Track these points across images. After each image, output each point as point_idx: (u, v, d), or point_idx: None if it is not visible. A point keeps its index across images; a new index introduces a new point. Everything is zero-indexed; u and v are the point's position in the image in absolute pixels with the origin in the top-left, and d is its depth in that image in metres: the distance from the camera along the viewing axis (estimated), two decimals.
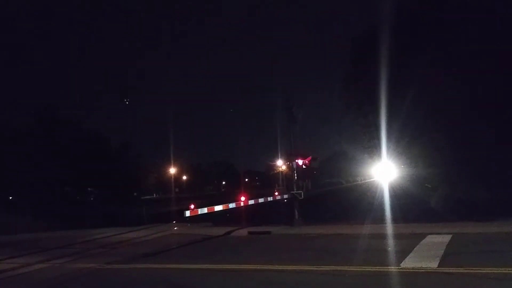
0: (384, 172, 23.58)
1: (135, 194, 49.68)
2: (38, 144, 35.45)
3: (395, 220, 16.83)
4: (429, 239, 12.59)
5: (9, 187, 35.50)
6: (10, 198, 39.47)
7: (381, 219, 17.11)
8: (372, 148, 23.37)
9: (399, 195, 21.95)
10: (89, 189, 43.71)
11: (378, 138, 21.33)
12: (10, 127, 37.80)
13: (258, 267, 10.38)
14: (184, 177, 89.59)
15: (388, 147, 21.38)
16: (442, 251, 10.56)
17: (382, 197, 21.12)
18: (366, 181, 29.32)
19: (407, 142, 21.07)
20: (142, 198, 55.23)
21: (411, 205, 19.64)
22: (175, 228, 21.08)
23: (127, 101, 50.30)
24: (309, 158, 19.93)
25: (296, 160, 19.15)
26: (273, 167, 72.54)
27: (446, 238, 12.38)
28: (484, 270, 8.52)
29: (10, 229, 22.33)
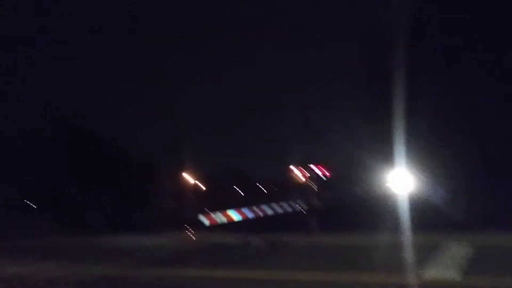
0: (402, 182, 23.30)
1: (151, 200, 49.81)
2: (51, 150, 35.83)
3: (414, 230, 16.52)
4: (450, 249, 12.34)
5: (26, 191, 35.85)
6: (26, 201, 39.82)
7: (400, 229, 16.84)
8: (390, 158, 23.13)
9: (418, 205, 21.62)
10: (104, 195, 43.95)
11: (395, 147, 21.11)
12: (30, 131, 38.24)
13: (277, 277, 10.28)
14: (201, 185, 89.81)
15: (406, 157, 21.14)
16: (464, 262, 10.33)
17: (401, 207, 20.84)
18: (385, 190, 28.96)
19: (427, 151, 20.81)
20: (158, 204, 55.38)
21: (430, 215, 19.32)
22: (192, 235, 21.05)
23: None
24: (328, 168, 19.82)
25: (316, 170, 19.04)
26: (290, 176, 72.42)
27: (467, 249, 12.12)
28: (506, 280, 8.31)
29: (26, 233, 22.47)
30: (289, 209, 21.76)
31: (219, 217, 18.03)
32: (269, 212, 20.49)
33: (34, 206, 37.66)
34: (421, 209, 20.46)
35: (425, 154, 21.12)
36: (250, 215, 19.10)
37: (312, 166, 19.18)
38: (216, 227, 18.42)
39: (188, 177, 67.01)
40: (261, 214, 20.08)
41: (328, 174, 19.92)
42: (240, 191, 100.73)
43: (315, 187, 19.02)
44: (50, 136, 38.12)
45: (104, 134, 42.25)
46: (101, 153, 37.47)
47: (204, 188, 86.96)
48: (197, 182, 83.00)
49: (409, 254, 12.25)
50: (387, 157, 23.28)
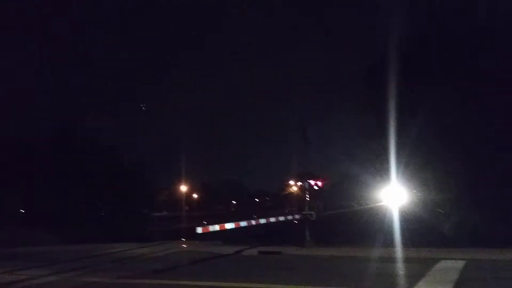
0: (395, 196, 23.42)
1: (145, 211, 49.75)
2: (50, 160, 35.87)
3: (407, 244, 16.64)
4: (442, 264, 12.44)
5: (21, 201, 35.86)
6: (22, 211, 39.77)
7: (393, 243, 16.92)
8: (384, 172, 23.30)
9: (411, 220, 21.72)
10: (100, 204, 43.89)
11: (389, 162, 21.29)
12: (23, 142, 38.35)
13: (268, 287, 10.32)
14: (195, 195, 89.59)
15: (399, 171, 21.30)
16: (456, 277, 10.42)
17: (394, 221, 20.93)
18: (378, 204, 29.09)
19: (419, 166, 20.98)
20: (152, 215, 55.25)
21: (423, 230, 19.40)
22: (185, 245, 21.04)
23: (143, 106, 49.56)
24: (322, 179, 19.92)
25: (309, 181, 19.13)
26: (285, 187, 72.36)
27: (460, 264, 12.21)
28: None
29: (22, 242, 22.45)
30: (282, 219, 21.78)
31: (212, 226, 18.01)
32: (262, 221, 20.48)
33: (28, 214, 37.62)
34: (413, 223, 20.59)
35: (419, 170, 21.30)
36: (243, 223, 19.09)
37: (307, 178, 19.25)
38: (208, 234, 18.40)
39: (184, 188, 66.95)
40: (253, 223, 20.08)
41: (322, 186, 19.99)
42: (235, 202, 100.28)
43: (308, 198, 19.07)
44: (45, 147, 38.20)
45: (100, 144, 42.37)
46: (95, 162, 37.53)
47: (199, 199, 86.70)
48: (192, 192, 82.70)
49: (400, 268, 12.35)
50: (381, 172, 23.46)
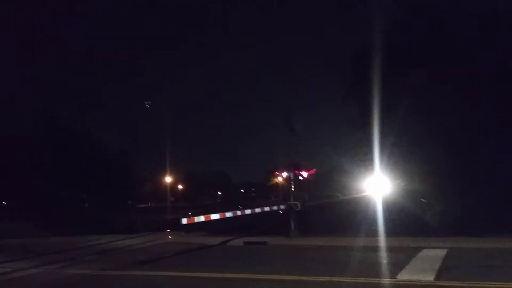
0: (379, 186, 23.62)
1: (129, 202, 49.52)
2: (32, 150, 35.39)
3: (390, 233, 16.84)
4: (425, 252, 12.62)
5: (2, 193, 35.42)
6: (4, 203, 39.28)
7: (377, 233, 17.11)
8: (369, 162, 23.45)
9: (395, 209, 21.94)
10: (83, 195, 43.54)
11: (373, 152, 21.41)
12: (4, 133, 37.77)
13: (253, 277, 10.35)
14: (180, 187, 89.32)
15: (382, 161, 21.45)
16: (438, 265, 10.58)
17: (378, 211, 21.13)
18: (363, 194, 29.31)
19: (403, 156, 21.14)
20: (137, 206, 55.02)
21: (406, 219, 19.62)
22: (170, 236, 21.01)
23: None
24: (308, 169, 19.99)
25: (294, 171, 19.19)
26: (270, 177, 72.48)
27: (442, 252, 12.40)
28: (478, 284, 8.56)
29: (4, 234, 22.19)
30: (267, 209, 21.81)
31: (198, 217, 17.94)
32: (247, 211, 20.48)
33: (9, 206, 37.15)
34: (396, 213, 20.81)
35: (402, 160, 21.48)
36: (228, 214, 19.07)
37: (292, 169, 19.31)
38: (194, 225, 18.36)
39: (169, 179, 66.67)
40: (239, 213, 20.09)
41: (307, 176, 20.06)
42: (220, 193, 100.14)
43: (293, 189, 19.13)
44: (27, 138, 37.66)
45: (83, 135, 41.91)
46: (78, 153, 37.15)
47: (184, 190, 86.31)
48: (177, 183, 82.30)
49: (384, 257, 12.50)
50: (365, 162, 23.63)
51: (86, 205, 43.63)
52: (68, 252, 16.42)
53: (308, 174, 19.81)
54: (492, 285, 8.45)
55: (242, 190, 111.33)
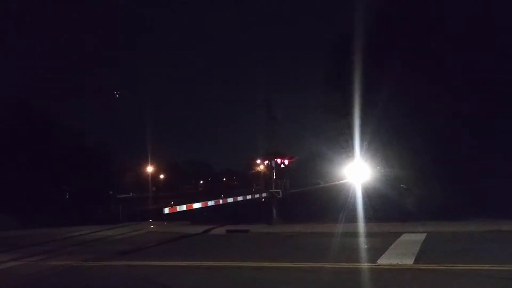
0: (359, 173, 23.85)
1: (111, 192, 49.06)
2: (9, 140, 34.73)
3: (371, 219, 17.12)
4: (404, 237, 12.85)
5: None
6: None
7: (357, 219, 17.34)
8: (349, 149, 23.62)
9: (375, 195, 22.22)
10: (64, 186, 43.01)
11: (353, 139, 21.54)
12: None
13: (236, 264, 10.43)
14: (162, 176, 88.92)
15: (362, 148, 21.63)
16: (418, 249, 10.80)
17: (358, 197, 21.38)
18: (344, 181, 29.60)
19: (383, 143, 21.34)
20: (118, 196, 54.59)
21: (387, 205, 19.92)
22: (152, 226, 20.96)
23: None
24: (289, 157, 20.08)
25: (275, 159, 19.27)
26: (252, 166, 72.60)
27: (421, 237, 12.65)
28: (456, 266, 8.77)
29: None
30: (249, 197, 21.91)
31: (180, 206, 17.94)
32: (230, 199, 20.54)
33: None
34: (376, 199, 21.10)
35: (382, 147, 21.69)
36: (210, 202, 19.10)
37: (273, 157, 19.37)
38: (177, 214, 18.34)
39: (150, 168, 66.25)
40: (221, 201, 20.13)
41: (288, 164, 20.16)
42: (202, 182, 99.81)
43: (274, 176, 19.21)
44: (3, 127, 36.90)
45: (62, 124, 41.27)
46: (58, 143, 36.58)
47: (166, 179, 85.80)
48: (159, 173, 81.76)
49: (364, 242, 12.69)
50: (345, 149, 23.80)
51: (67, 196, 43.16)
52: (49, 243, 16.25)
53: (288, 161, 19.90)
54: (469, 267, 8.66)
55: (224, 179, 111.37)
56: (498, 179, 16.93)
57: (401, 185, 22.62)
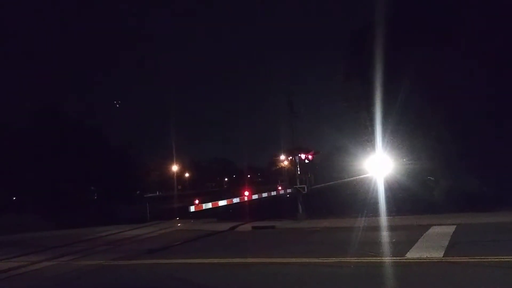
0: (383, 165, 23.52)
1: (138, 192, 49.74)
2: (40, 144, 35.49)
3: (399, 212, 16.92)
4: (433, 230, 12.65)
5: (12, 188, 35.65)
6: (14, 198, 39.55)
7: (385, 212, 17.15)
8: (373, 142, 23.32)
9: (402, 188, 21.94)
10: (92, 187, 43.80)
11: (375, 131, 21.20)
12: (11, 127, 37.92)
13: (263, 261, 10.44)
14: (187, 175, 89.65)
15: (385, 140, 21.31)
16: (447, 242, 10.62)
17: (386, 190, 21.13)
18: (369, 175, 29.34)
19: (407, 133, 20.98)
20: (145, 196, 55.29)
21: (414, 198, 19.65)
22: (179, 224, 21.16)
23: (117, 103, 49.53)
24: (312, 152, 19.98)
25: (299, 155, 19.19)
26: (275, 162, 72.55)
27: (450, 229, 12.43)
28: (487, 259, 8.59)
29: (15, 228, 22.49)
30: (274, 194, 21.90)
31: (206, 204, 18.06)
32: (254, 196, 20.56)
33: (19, 201, 37.46)
34: (402, 192, 20.81)
35: (406, 138, 21.36)
36: (235, 199, 19.16)
37: (297, 152, 19.30)
38: (203, 212, 18.47)
39: (175, 167, 66.84)
40: (246, 198, 20.17)
41: (312, 159, 20.06)
42: (226, 179, 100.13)
43: (298, 172, 19.15)
44: (31, 131, 37.71)
45: (87, 126, 41.98)
46: (83, 145, 37.23)
47: (191, 177, 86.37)
48: (184, 171, 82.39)
49: (393, 236, 12.53)
50: (369, 142, 23.53)
51: (95, 197, 43.95)
52: (80, 244, 16.61)
53: (312, 156, 19.80)
54: (500, 259, 8.47)
55: (249, 176, 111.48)
56: None
57: (429, 177, 22.26)
